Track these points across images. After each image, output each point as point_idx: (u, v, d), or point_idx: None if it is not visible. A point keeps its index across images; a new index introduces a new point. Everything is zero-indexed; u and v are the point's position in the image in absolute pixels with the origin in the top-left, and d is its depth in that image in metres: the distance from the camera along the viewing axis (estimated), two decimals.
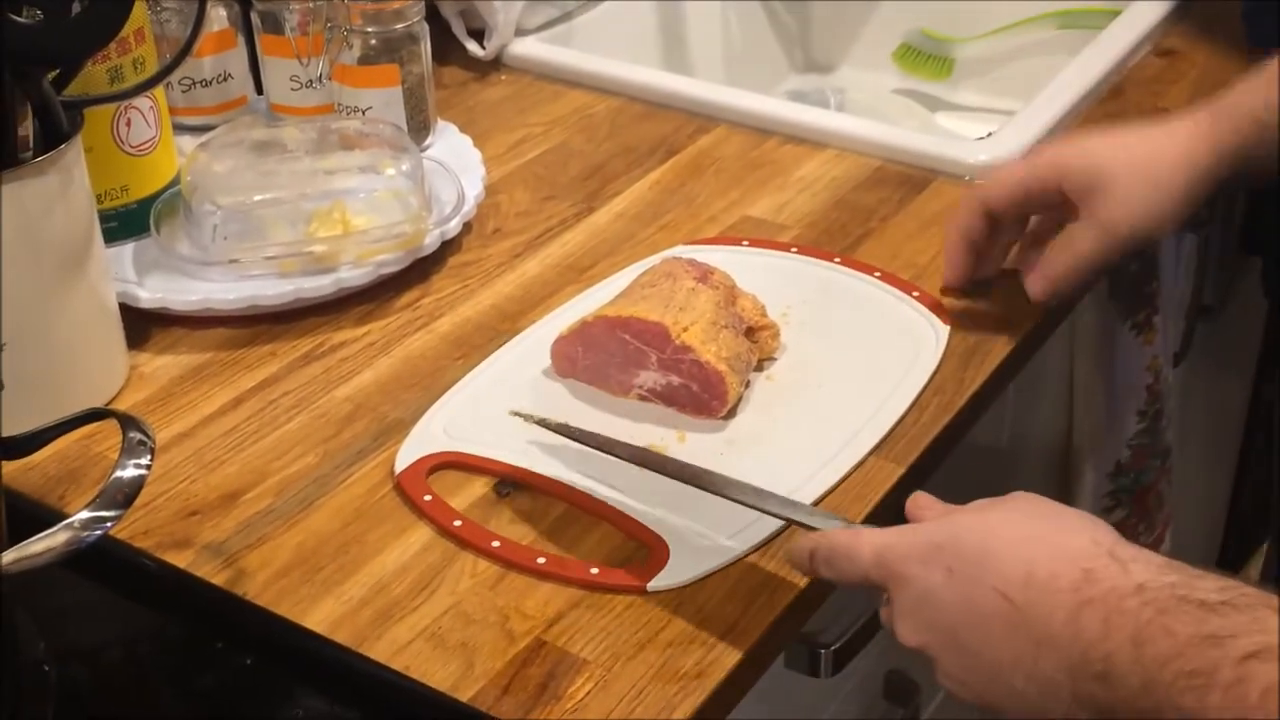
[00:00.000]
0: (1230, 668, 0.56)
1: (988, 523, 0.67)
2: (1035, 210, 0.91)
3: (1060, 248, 0.89)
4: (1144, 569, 0.61)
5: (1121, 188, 0.85)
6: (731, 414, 0.88)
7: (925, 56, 1.54)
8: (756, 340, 0.91)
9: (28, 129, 0.84)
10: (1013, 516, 0.67)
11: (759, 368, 0.92)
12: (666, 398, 0.89)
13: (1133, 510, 1.25)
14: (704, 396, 0.87)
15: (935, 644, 0.66)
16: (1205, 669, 0.57)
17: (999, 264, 0.97)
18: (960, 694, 0.67)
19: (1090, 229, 0.86)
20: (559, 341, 0.91)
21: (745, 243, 1.04)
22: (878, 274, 1.01)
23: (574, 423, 0.84)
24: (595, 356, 0.90)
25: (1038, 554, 0.63)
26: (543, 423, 0.84)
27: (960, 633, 0.65)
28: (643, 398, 0.90)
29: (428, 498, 0.83)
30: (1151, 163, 0.85)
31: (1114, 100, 1.22)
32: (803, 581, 0.77)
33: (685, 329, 0.87)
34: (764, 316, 0.92)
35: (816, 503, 0.82)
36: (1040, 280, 0.91)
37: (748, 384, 0.90)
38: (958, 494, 1.05)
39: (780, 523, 0.80)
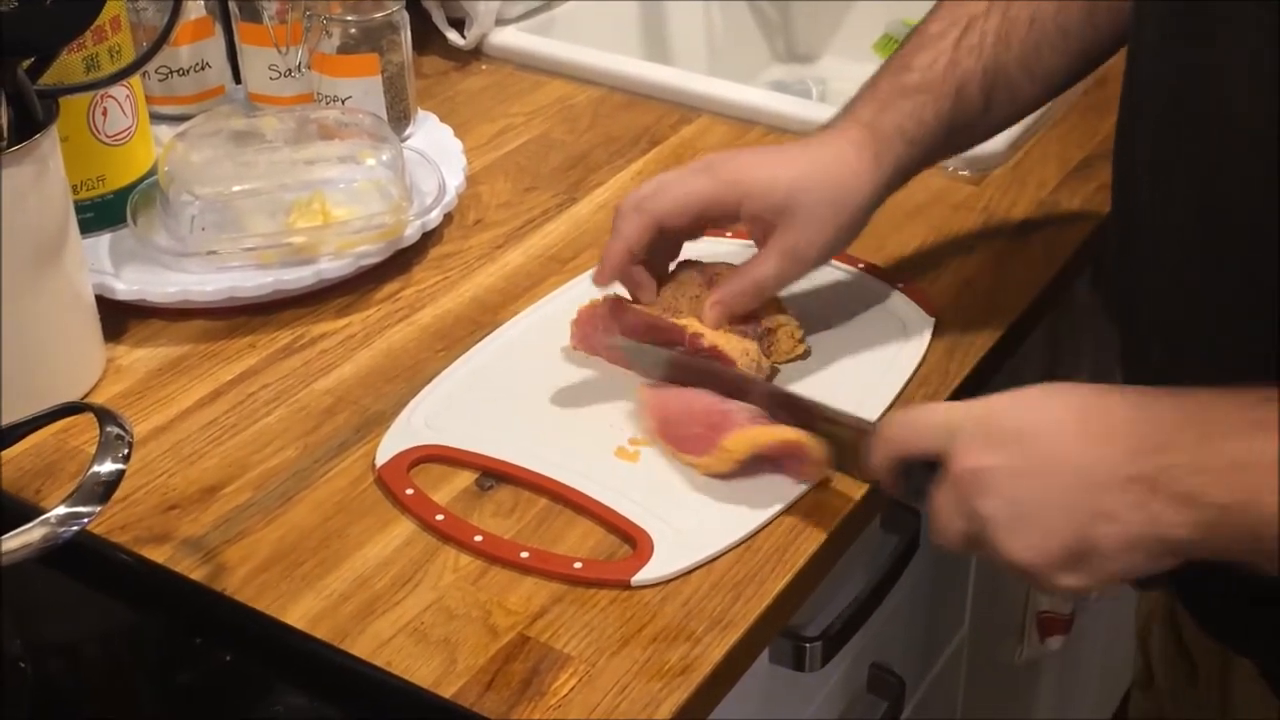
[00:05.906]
0: None
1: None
2: (707, 226, 0.90)
3: (743, 274, 0.88)
4: None
5: (808, 216, 0.86)
6: None
7: None
8: (773, 340, 0.90)
9: (2, 118, 0.83)
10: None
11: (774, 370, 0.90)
12: None
13: None
14: None
15: (1000, 462, 0.68)
16: None
17: (665, 265, 0.94)
18: (997, 522, 0.68)
19: (776, 255, 0.87)
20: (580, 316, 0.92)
21: (729, 234, 1.03)
22: (862, 265, 1.00)
23: (562, 414, 0.82)
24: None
25: None
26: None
27: (1026, 440, 0.68)
28: None
29: (409, 491, 0.82)
30: (832, 188, 0.86)
31: (1098, 90, 1.21)
32: (789, 574, 0.77)
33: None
34: (780, 314, 0.90)
35: (801, 498, 0.82)
36: (718, 307, 0.88)
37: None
38: None
39: (764, 519, 0.80)
